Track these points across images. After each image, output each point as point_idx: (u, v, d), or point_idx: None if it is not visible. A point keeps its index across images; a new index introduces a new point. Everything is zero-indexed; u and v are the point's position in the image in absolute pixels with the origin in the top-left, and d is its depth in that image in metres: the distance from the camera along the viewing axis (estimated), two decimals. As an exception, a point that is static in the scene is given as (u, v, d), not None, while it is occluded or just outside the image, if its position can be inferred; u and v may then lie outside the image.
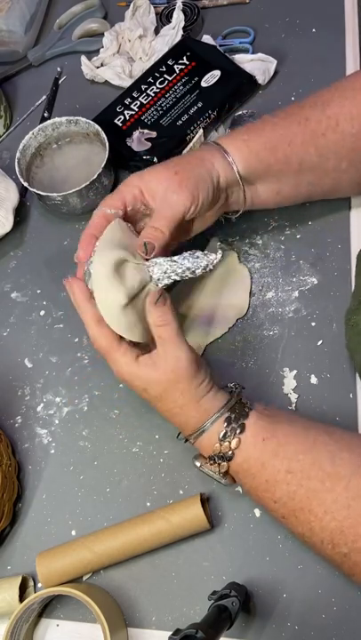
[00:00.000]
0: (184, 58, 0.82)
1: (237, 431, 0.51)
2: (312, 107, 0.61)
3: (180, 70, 0.82)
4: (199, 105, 0.78)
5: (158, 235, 0.56)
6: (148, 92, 0.81)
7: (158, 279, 0.55)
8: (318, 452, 0.49)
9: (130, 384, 0.54)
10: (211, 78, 0.80)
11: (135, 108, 0.81)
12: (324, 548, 0.48)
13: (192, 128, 0.78)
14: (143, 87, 0.82)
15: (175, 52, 0.83)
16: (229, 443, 0.51)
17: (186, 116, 0.78)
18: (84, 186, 0.72)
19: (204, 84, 0.80)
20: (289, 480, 0.49)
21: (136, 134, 0.78)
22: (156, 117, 0.79)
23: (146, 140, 0.78)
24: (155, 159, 0.76)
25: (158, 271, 0.55)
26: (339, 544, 0.47)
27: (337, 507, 0.47)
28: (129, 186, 0.58)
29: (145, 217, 0.60)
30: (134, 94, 0.82)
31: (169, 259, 0.55)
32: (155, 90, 0.81)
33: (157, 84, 0.81)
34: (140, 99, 0.81)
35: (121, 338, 0.53)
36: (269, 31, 0.87)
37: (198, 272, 0.55)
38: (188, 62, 0.82)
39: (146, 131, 0.78)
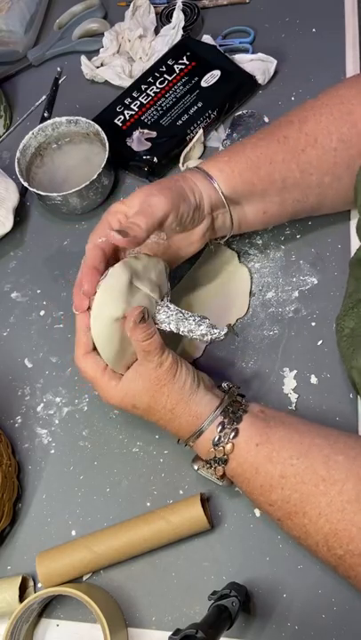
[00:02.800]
0: (184, 58, 0.82)
1: (231, 436, 0.51)
2: (289, 125, 0.61)
3: (180, 70, 0.82)
4: (199, 105, 0.78)
5: (135, 227, 0.53)
6: (148, 91, 0.81)
7: (160, 321, 0.55)
8: (313, 456, 0.49)
9: (120, 405, 0.55)
10: (211, 78, 0.80)
11: (135, 107, 0.81)
12: (320, 551, 0.49)
13: (192, 128, 0.78)
14: (143, 87, 0.82)
15: (175, 52, 0.83)
16: (223, 448, 0.51)
17: (186, 116, 0.78)
18: (83, 186, 0.72)
19: (204, 83, 0.80)
20: (283, 484, 0.49)
21: (136, 134, 0.78)
22: (155, 117, 0.79)
23: (146, 139, 0.78)
24: (155, 159, 0.76)
25: (164, 314, 0.55)
26: (333, 546, 0.47)
27: (331, 510, 0.47)
28: (112, 213, 0.57)
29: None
30: (134, 94, 0.82)
31: (180, 310, 0.55)
32: (155, 90, 0.81)
33: (157, 83, 0.81)
34: (140, 99, 0.81)
35: (105, 367, 0.54)
36: (269, 31, 0.87)
37: (195, 337, 0.54)
38: (188, 62, 0.82)
39: (146, 131, 0.78)
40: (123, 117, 0.80)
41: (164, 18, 0.90)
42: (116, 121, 0.80)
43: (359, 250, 0.56)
